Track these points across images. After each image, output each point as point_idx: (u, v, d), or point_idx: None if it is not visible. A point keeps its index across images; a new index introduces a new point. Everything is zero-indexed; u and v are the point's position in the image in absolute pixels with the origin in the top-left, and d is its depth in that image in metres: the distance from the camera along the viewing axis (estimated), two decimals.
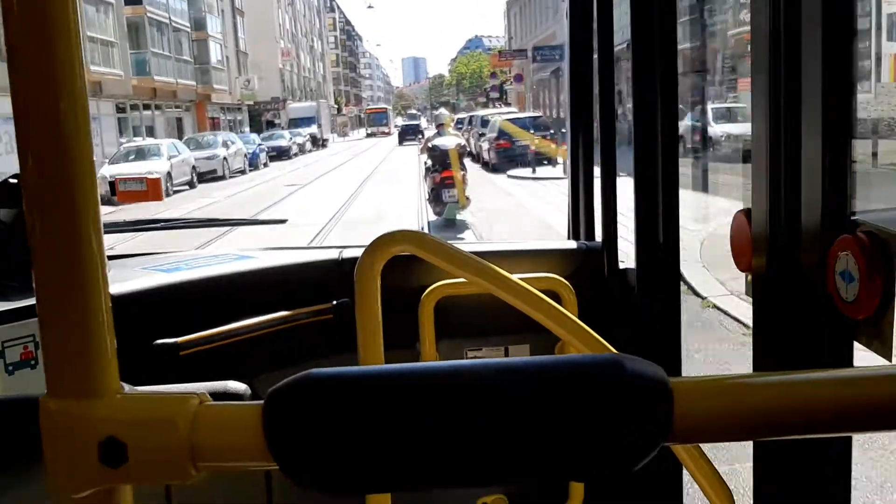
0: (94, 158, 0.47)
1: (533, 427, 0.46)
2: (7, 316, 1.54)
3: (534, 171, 20.03)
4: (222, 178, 25.84)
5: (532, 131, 22.76)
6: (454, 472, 0.47)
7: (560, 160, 19.37)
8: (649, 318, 1.89)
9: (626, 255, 2.11)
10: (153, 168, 18.86)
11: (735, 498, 1.34)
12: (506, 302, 1.48)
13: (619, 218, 2.10)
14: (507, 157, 21.70)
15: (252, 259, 2.14)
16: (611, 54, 2.08)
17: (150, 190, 2.63)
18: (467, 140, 31.97)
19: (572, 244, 2.22)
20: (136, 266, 2.10)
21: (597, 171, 2.19)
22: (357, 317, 1.52)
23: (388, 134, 72.89)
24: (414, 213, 14.44)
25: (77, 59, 0.46)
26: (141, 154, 21.71)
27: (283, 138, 41.60)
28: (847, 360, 1.15)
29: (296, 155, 42.42)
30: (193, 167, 23.26)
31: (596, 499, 2.02)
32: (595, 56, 2.11)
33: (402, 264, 1.66)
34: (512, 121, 23.98)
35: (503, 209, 14.53)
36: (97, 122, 27.60)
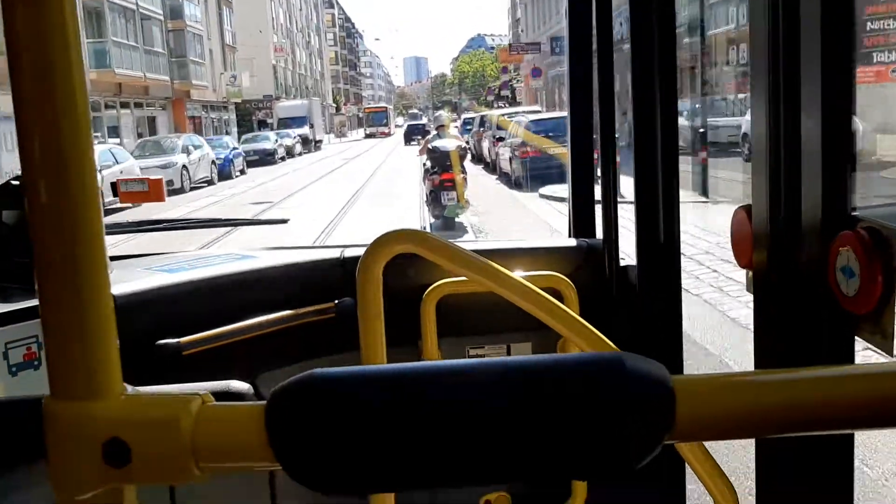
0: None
1: (535, 426, 0.46)
2: (10, 317, 1.56)
3: None
4: (181, 190, 21.16)
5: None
6: (457, 471, 0.47)
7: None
8: (651, 314, 1.92)
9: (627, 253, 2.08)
10: None
11: (738, 495, 1.35)
12: (507, 300, 1.45)
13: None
14: (535, 170, 16.50)
15: (254, 259, 2.17)
16: (610, 53, 2.09)
17: (153, 190, 2.65)
18: (477, 144, 27.54)
19: (573, 242, 2.25)
20: (138, 266, 2.14)
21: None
22: (359, 315, 1.50)
23: (388, 134, 68.14)
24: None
25: (77, 59, 0.46)
26: None
27: (268, 140, 36.83)
28: (848, 356, 1.16)
29: (283, 159, 37.71)
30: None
31: (599, 496, 2.04)
32: (595, 55, 2.13)
33: (404, 263, 1.57)
34: (539, 122, 18.98)
35: None
36: None
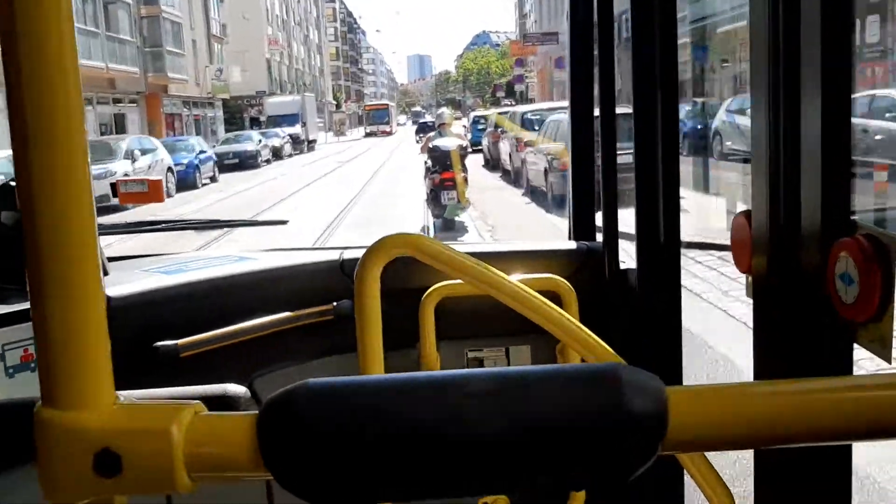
0: None
1: (531, 438, 0.46)
2: (8, 319, 1.57)
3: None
4: (111, 209, 16.58)
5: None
6: (451, 482, 0.47)
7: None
8: (650, 318, 1.91)
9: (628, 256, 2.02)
10: None
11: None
12: (506, 303, 1.46)
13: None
14: None
15: (252, 260, 2.16)
16: (611, 54, 2.08)
17: (152, 191, 2.65)
18: (492, 147, 23.05)
19: (573, 245, 2.24)
20: (136, 268, 2.12)
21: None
22: (357, 318, 1.49)
23: (390, 133, 63.52)
24: None
25: (70, 60, 0.47)
26: None
27: (251, 141, 32.28)
28: (847, 363, 1.17)
29: (268, 162, 33.20)
30: None
31: (596, 501, 2.00)
32: (596, 55, 2.12)
33: (403, 266, 1.58)
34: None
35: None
36: None
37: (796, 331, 1.20)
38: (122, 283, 1.79)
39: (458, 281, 1.66)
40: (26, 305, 1.48)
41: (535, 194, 15.15)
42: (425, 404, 0.47)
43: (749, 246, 1.30)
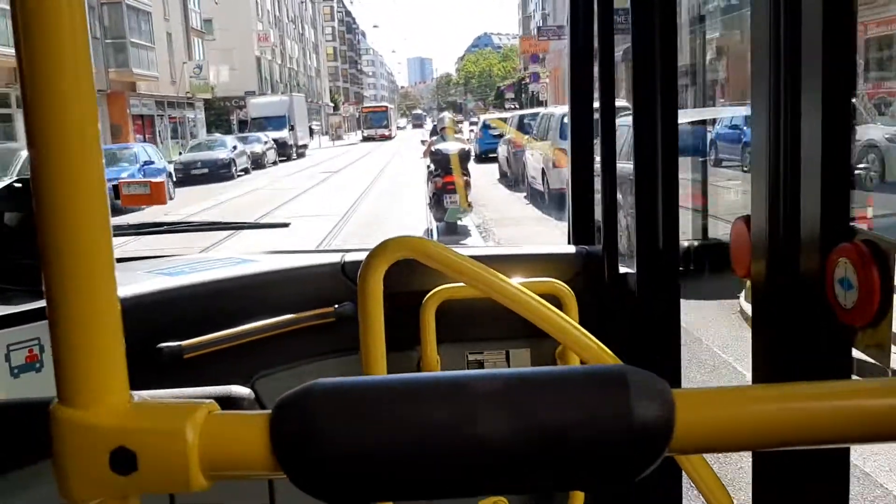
0: None
1: (537, 438, 0.47)
2: (12, 319, 1.57)
3: None
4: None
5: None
6: (460, 481, 0.48)
7: None
8: (649, 322, 1.92)
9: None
10: None
11: None
12: (506, 307, 1.48)
13: None
14: None
15: (255, 263, 2.17)
16: (611, 59, 2.08)
17: (154, 193, 2.69)
18: (511, 159, 18.49)
19: (572, 249, 2.23)
20: (139, 270, 2.13)
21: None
22: (360, 321, 1.53)
23: (389, 137, 58.75)
24: None
25: (85, 62, 0.47)
26: None
27: (224, 148, 27.63)
28: (846, 367, 1.18)
29: (245, 171, 28.58)
30: None
31: (596, 502, 2.06)
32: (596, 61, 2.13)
33: (404, 269, 1.59)
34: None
35: None
36: None
37: (795, 336, 1.21)
38: (125, 285, 1.71)
39: (459, 284, 1.69)
40: (31, 306, 1.56)
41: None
42: (436, 404, 0.48)
43: (748, 251, 1.32)
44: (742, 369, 5.03)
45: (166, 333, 1.75)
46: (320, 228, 12.96)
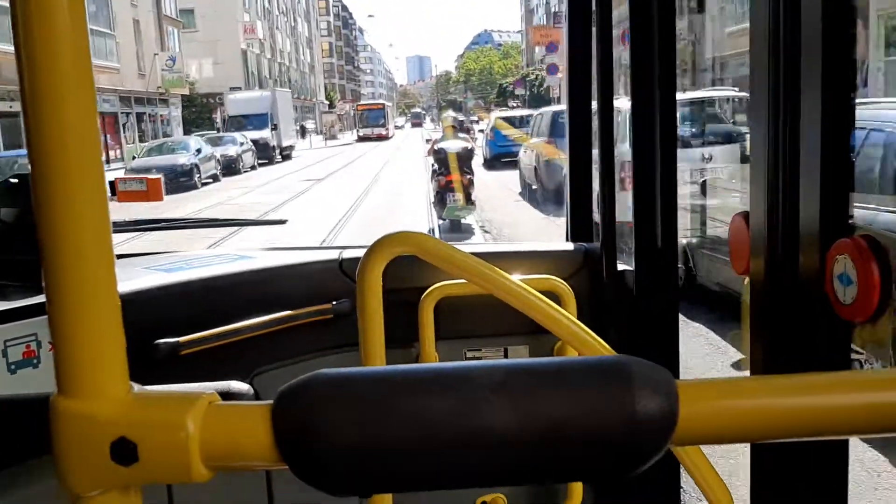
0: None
1: (540, 429, 0.47)
2: (9, 315, 1.56)
3: None
4: None
5: None
6: (462, 472, 0.48)
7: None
8: (647, 319, 1.93)
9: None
10: None
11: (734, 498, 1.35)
12: (505, 303, 1.48)
13: None
14: None
15: (252, 259, 2.17)
16: (610, 56, 2.08)
17: (151, 190, 2.68)
18: (547, 169, 14.34)
19: (571, 246, 2.25)
20: (137, 266, 2.14)
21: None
22: (359, 316, 1.51)
23: (386, 137, 54.24)
24: None
25: (84, 56, 0.47)
26: None
27: (185, 151, 23.15)
28: (844, 362, 1.18)
29: (213, 179, 24.17)
30: None
31: (594, 497, 2.06)
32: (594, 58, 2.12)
33: (403, 265, 1.62)
34: None
35: None
36: None
37: (794, 331, 1.21)
38: (123, 281, 1.80)
39: (458, 281, 1.73)
40: (28, 301, 1.55)
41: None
42: (438, 395, 0.47)
43: (747, 247, 1.31)
44: None
45: (163, 330, 1.75)
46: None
